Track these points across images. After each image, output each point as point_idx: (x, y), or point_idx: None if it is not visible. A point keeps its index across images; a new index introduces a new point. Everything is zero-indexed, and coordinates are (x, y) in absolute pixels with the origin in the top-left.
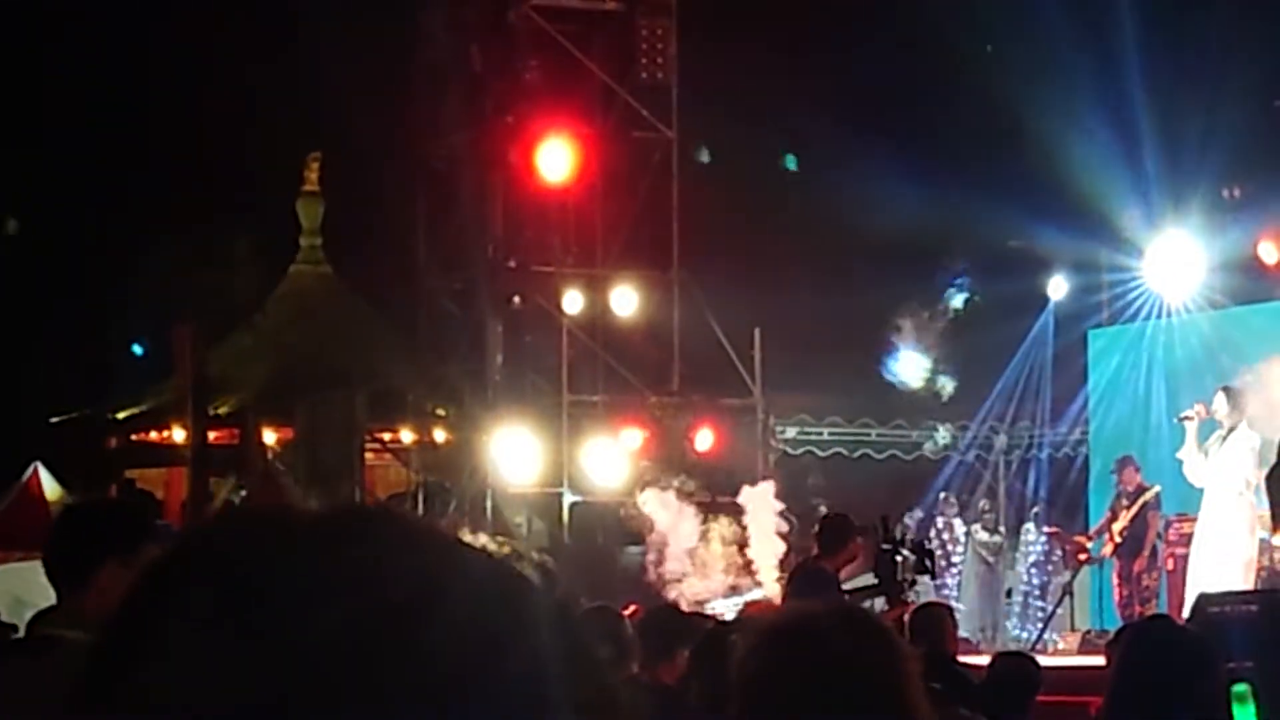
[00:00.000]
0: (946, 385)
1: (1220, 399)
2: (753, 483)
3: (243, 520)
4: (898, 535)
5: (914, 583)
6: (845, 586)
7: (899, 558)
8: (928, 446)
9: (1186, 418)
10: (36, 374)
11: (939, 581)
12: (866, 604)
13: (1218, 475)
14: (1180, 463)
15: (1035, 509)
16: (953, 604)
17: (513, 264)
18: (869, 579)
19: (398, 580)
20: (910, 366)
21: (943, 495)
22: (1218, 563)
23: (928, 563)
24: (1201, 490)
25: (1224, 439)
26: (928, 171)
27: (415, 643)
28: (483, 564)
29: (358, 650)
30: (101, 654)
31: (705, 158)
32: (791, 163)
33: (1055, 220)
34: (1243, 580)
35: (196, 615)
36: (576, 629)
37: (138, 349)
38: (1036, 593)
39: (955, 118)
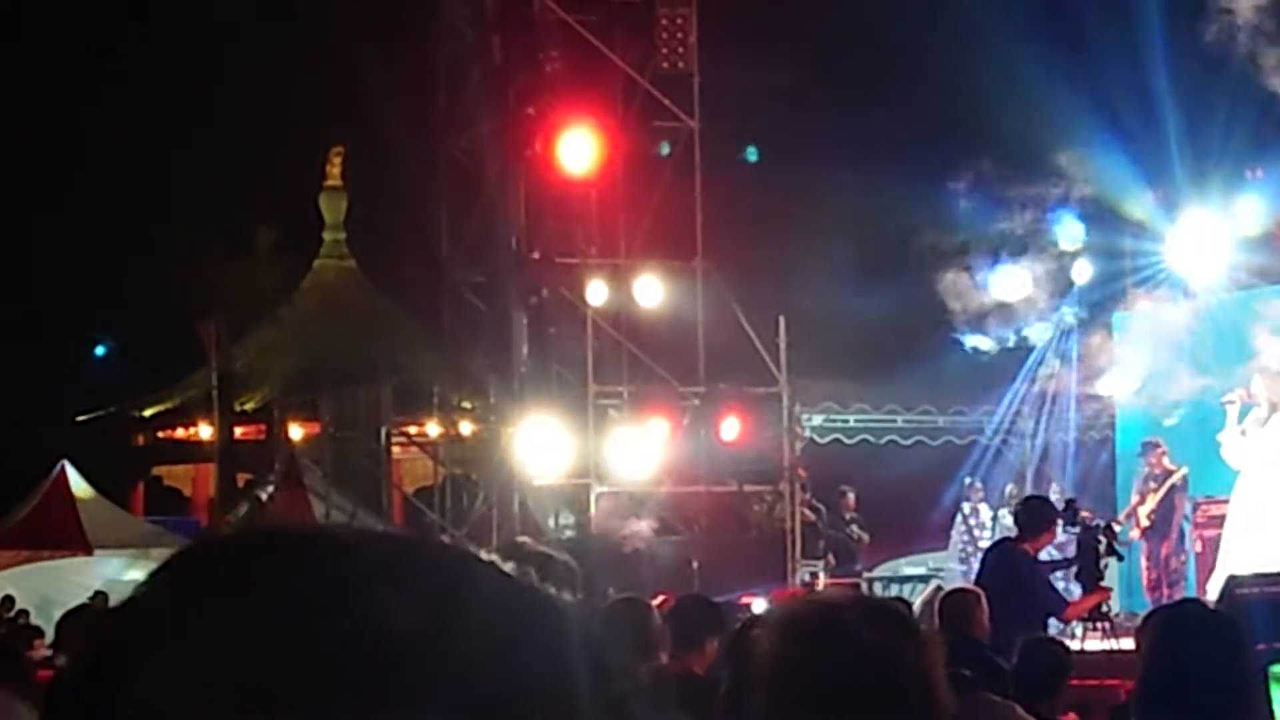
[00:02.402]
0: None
1: (1258, 382)
2: (780, 471)
3: (248, 534)
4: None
5: (1106, 566)
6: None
7: (1097, 542)
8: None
9: (1229, 401)
10: (62, 372)
11: (965, 568)
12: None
13: (1258, 456)
14: (1210, 445)
15: (1055, 494)
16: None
17: (536, 256)
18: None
19: (405, 599)
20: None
21: (969, 481)
22: (1257, 542)
23: (1116, 546)
24: (1237, 472)
25: (1265, 421)
26: (950, 157)
27: (421, 660)
28: (497, 583)
29: (359, 668)
30: (97, 664)
31: (753, 157)
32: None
33: (1078, 203)
34: None
35: (190, 628)
36: (592, 647)
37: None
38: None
39: (978, 101)
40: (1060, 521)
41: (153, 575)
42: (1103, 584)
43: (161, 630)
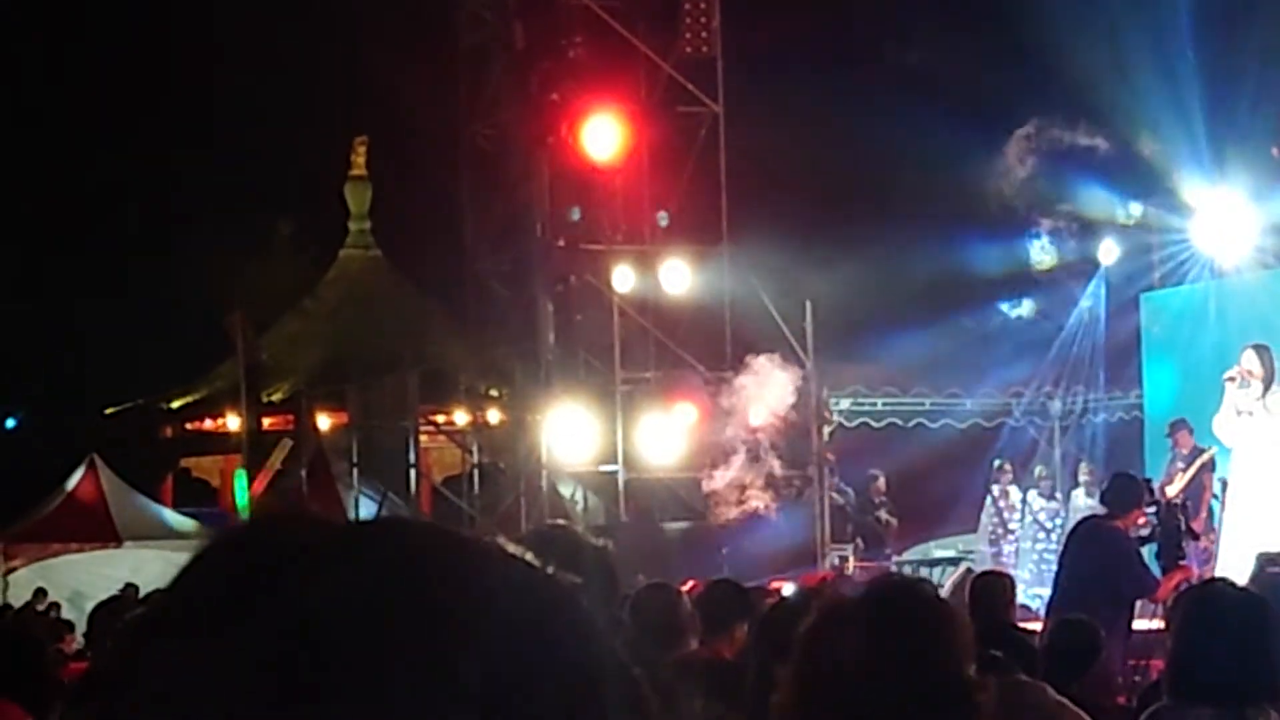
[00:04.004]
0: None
1: (1250, 356)
2: (808, 455)
3: (260, 527)
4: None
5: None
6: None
7: (1178, 521)
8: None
9: (1230, 378)
10: (90, 366)
11: (995, 550)
12: None
13: (1256, 434)
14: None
15: (1085, 475)
16: (1010, 571)
17: (561, 243)
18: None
19: (418, 589)
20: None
21: (997, 463)
22: (1259, 521)
23: (1194, 527)
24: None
25: (1262, 398)
26: (980, 139)
27: (437, 656)
28: (518, 574)
29: (368, 667)
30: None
31: None
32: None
33: (1105, 184)
34: None
35: (199, 623)
36: (610, 641)
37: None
38: None
39: (1004, 82)
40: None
41: (177, 575)
42: (1182, 562)
43: (170, 632)
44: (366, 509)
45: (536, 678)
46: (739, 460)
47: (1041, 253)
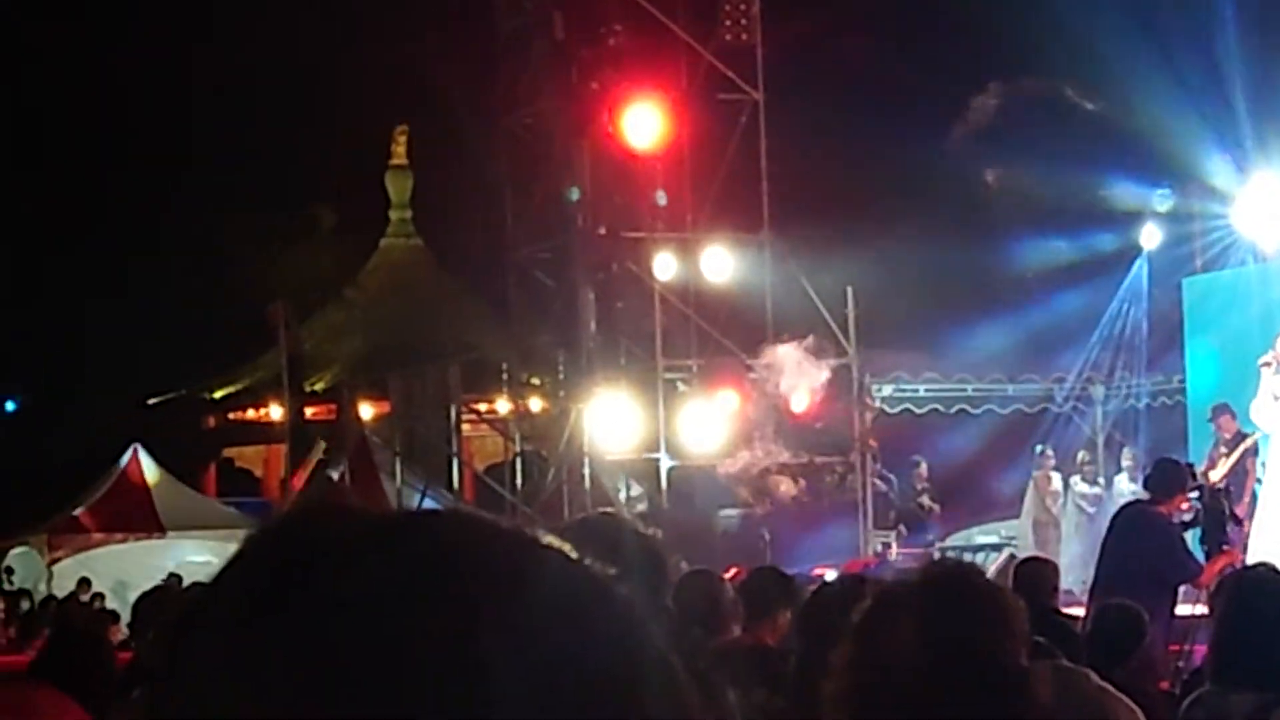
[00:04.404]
0: None
1: None
2: (850, 442)
3: (298, 520)
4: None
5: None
6: None
7: (1223, 506)
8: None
9: (1265, 363)
10: (133, 356)
11: (1038, 535)
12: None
13: None
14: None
15: (1128, 461)
16: (1054, 557)
17: (602, 231)
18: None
19: (451, 581)
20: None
21: (1040, 449)
22: None
23: (1236, 511)
24: None
25: None
26: (1018, 123)
27: (467, 643)
28: (555, 564)
29: (400, 650)
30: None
31: None
32: None
33: (1146, 169)
34: None
35: (233, 616)
36: (650, 633)
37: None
38: None
39: (1044, 68)
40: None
41: (219, 569)
42: (1226, 547)
43: (208, 625)
44: (409, 498)
45: (572, 671)
46: (781, 447)
47: (1085, 237)
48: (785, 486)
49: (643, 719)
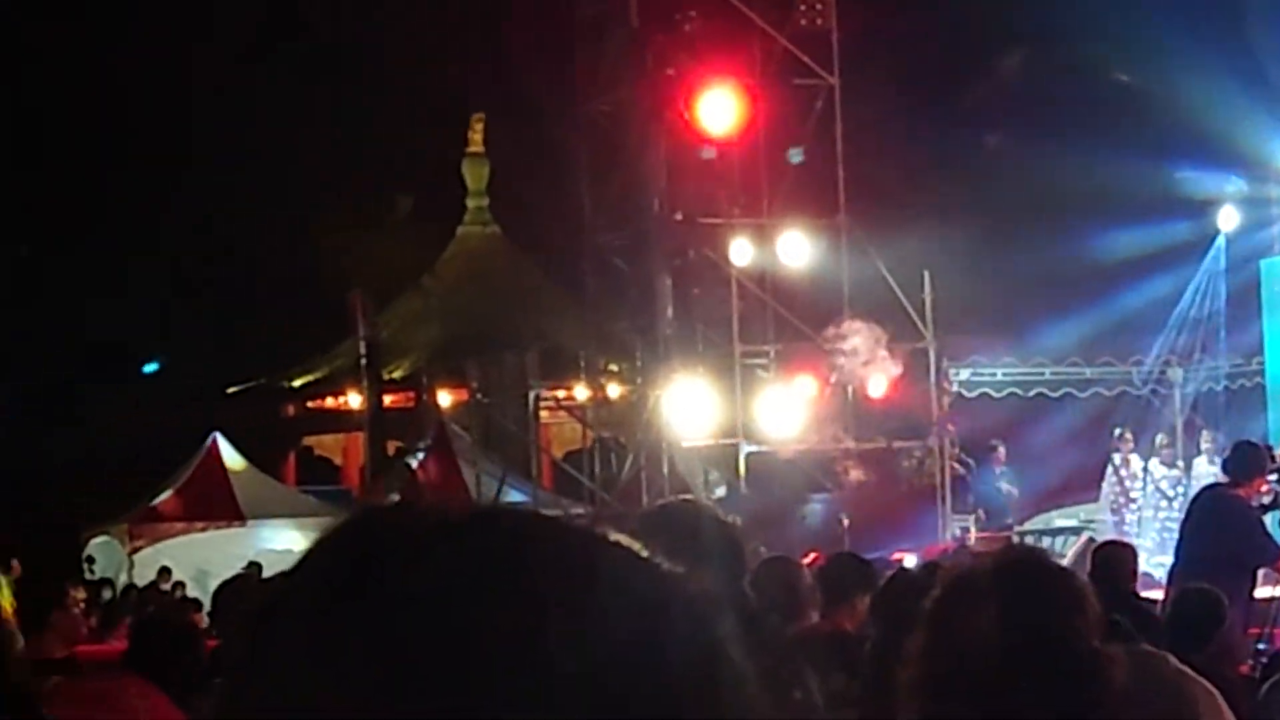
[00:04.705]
0: None
1: None
2: (928, 426)
3: (375, 512)
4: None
5: None
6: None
7: None
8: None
9: None
10: (212, 346)
11: (1117, 519)
12: None
13: None
14: None
15: (1207, 443)
16: (1133, 540)
17: (679, 217)
18: None
19: (519, 576)
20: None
21: (1118, 431)
22: None
23: None
24: None
25: None
26: (1093, 109)
27: (534, 638)
28: (625, 562)
29: (468, 644)
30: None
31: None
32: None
33: (1221, 156)
34: None
35: (311, 606)
36: (724, 631)
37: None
38: None
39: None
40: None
41: (297, 561)
42: None
43: (284, 615)
44: (487, 485)
45: (640, 667)
46: (858, 432)
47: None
48: (861, 472)
49: (710, 717)
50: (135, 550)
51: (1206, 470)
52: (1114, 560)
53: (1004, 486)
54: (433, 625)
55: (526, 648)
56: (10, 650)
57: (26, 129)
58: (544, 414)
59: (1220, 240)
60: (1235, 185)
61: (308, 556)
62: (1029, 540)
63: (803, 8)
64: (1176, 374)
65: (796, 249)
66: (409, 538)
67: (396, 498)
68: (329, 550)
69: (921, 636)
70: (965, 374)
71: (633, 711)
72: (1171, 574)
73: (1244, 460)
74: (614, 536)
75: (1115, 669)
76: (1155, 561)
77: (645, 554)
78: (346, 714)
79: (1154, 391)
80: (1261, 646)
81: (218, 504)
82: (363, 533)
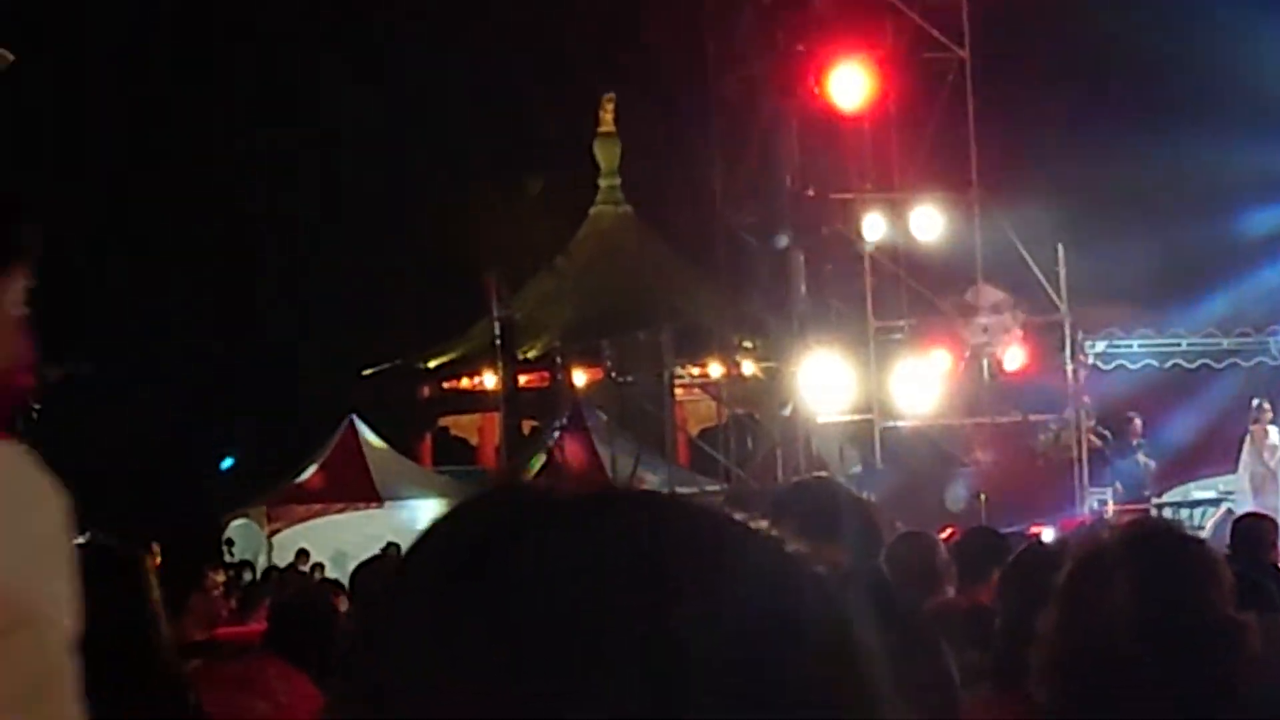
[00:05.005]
0: None
1: None
2: (1064, 399)
3: (495, 494)
4: None
5: None
6: None
7: None
8: None
9: None
10: (348, 328)
11: (1256, 490)
12: None
13: None
14: None
15: None
16: (1272, 513)
17: (811, 193)
18: None
19: (646, 560)
20: None
21: (1256, 402)
22: None
23: None
24: None
25: None
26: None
27: (661, 622)
28: (758, 549)
29: (592, 626)
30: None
31: None
32: None
33: None
34: None
35: (430, 586)
36: (853, 617)
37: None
38: None
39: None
40: None
41: (418, 539)
42: None
43: (405, 594)
44: (623, 464)
45: (769, 650)
46: (995, 405)
47: None
48: (997, 446)
49: (835, 703)
50: (274, 532)
51: None
52: (1254, 532)
53: (1141, 459)
54: (554, 606)
55: (652, 629)
56: (159, 634)
57: (151, 109)
58: (679, 392)
59: None
60: None
61: (427, 536)
62: (1167, 513)
63: None
64: None
65: (929, 223)
66: (530, 517)
67: (533, 477)
68: (449, 530)
69: (1053, 613)
70: (1100, 346)
71: (761, 693)
72: None
73: None
74: (740, 517)
75: (1250, 637)
76: None
77: (773, 534)
78: (464, 695)
79: None
80: None
81: (355, 485)
82: (483, 512)
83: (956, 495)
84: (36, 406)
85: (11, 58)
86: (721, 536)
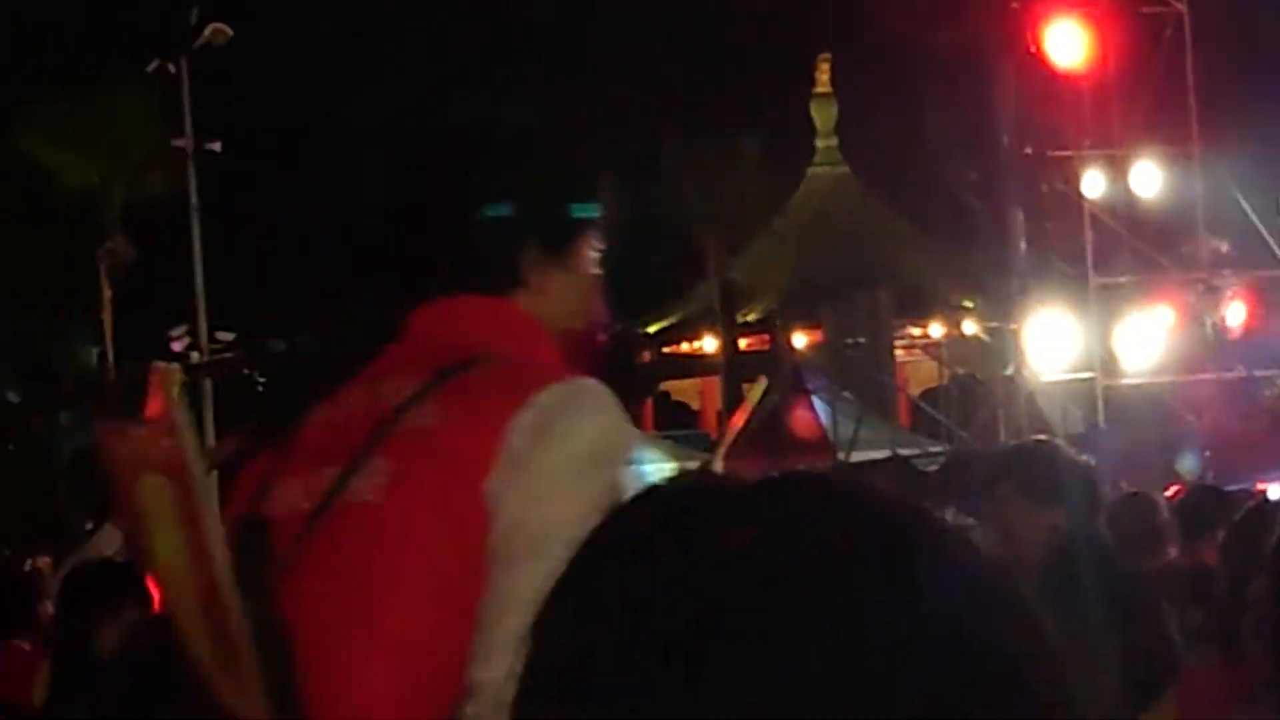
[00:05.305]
0: None
1: None
2: None
3: (666, 488)
4: None
5: None
6: None
7: None
8: None
9: None
10: None
11: None
12: None
13: None
14: None
15: None
16: None
17: (1029, 150)
18: None
19: (831, 548)
20: None
21: None
22: None
23: None
24: None
25: None
26: None
27: (836, 613)
28: (939, 532)
29: (770, 610)
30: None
31: None
32: None
33: None
34: None
35: (616, 552)
36: (1037, 611)
37: None
38: None
39: None
40: None
41: (616, 509)
42: None
43: (593, 556)
44: (844, 427)
45: (954, 640)
46: (1218, 361)
47: None
48: (1223, 403)
49: (1020, 690)
50: None
51: None
52: None
53: None
54: (735, 590)
55: (840, 618)
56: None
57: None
58: (899, 353)
59: None
60: None
61: (629, 506)
62: None
63: None
64: None
65: (1150, 179)
66: (711, 502)
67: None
68: (648, 501)
69: (1265, 579)
70: None
71: (943, 684)
72: None
73: None
74: (919, 504)
75: None
76: None
77: (949, 523)
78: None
79: None
80: None
81: None
82: (660, 499)
83: (1187, 465)
84: (262, 379)
85: (230, 32)
86: (908, 523)
